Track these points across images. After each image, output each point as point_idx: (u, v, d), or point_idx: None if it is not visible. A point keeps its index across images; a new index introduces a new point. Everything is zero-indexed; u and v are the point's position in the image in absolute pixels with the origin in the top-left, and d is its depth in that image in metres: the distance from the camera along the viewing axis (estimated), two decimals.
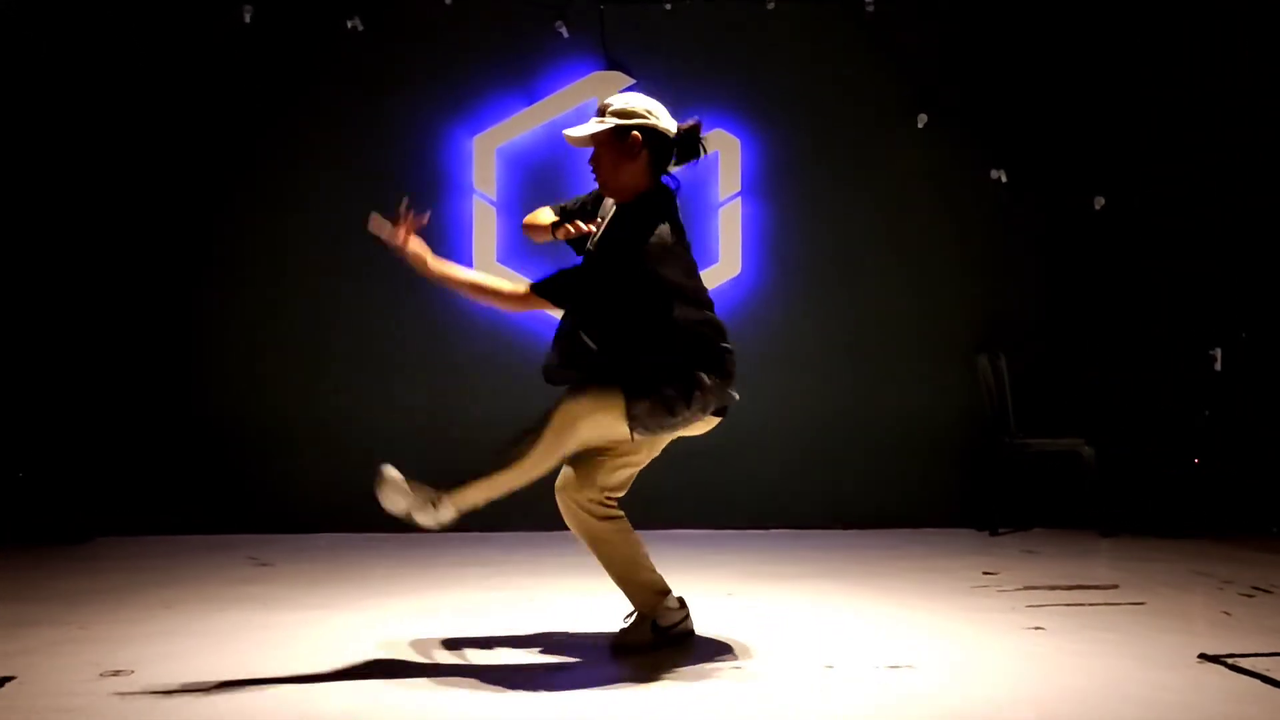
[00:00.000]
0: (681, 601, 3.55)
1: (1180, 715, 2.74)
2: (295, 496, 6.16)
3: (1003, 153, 6.53)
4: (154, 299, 6.21)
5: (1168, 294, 6.49)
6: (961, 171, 6.53)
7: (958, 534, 6.14)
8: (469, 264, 6.32)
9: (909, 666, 3.22)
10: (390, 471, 3.22)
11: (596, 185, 3.47)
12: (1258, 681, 3.06)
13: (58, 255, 6.13)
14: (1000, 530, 6.12)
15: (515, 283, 3.33)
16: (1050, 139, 6.53)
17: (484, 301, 3.42)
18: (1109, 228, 6.52)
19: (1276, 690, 2.97)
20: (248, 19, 6.12)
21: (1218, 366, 6.36)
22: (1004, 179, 6.50)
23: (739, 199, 6.42)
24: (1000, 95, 6.54)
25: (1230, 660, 3.29)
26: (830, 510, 6.35)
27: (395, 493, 3.21)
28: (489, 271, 6.24)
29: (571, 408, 3.24)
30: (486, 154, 6.29)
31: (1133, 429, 6.38)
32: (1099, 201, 6.49)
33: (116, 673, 3.14)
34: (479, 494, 3.25)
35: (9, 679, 3.07)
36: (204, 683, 3.01)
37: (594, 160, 3.38)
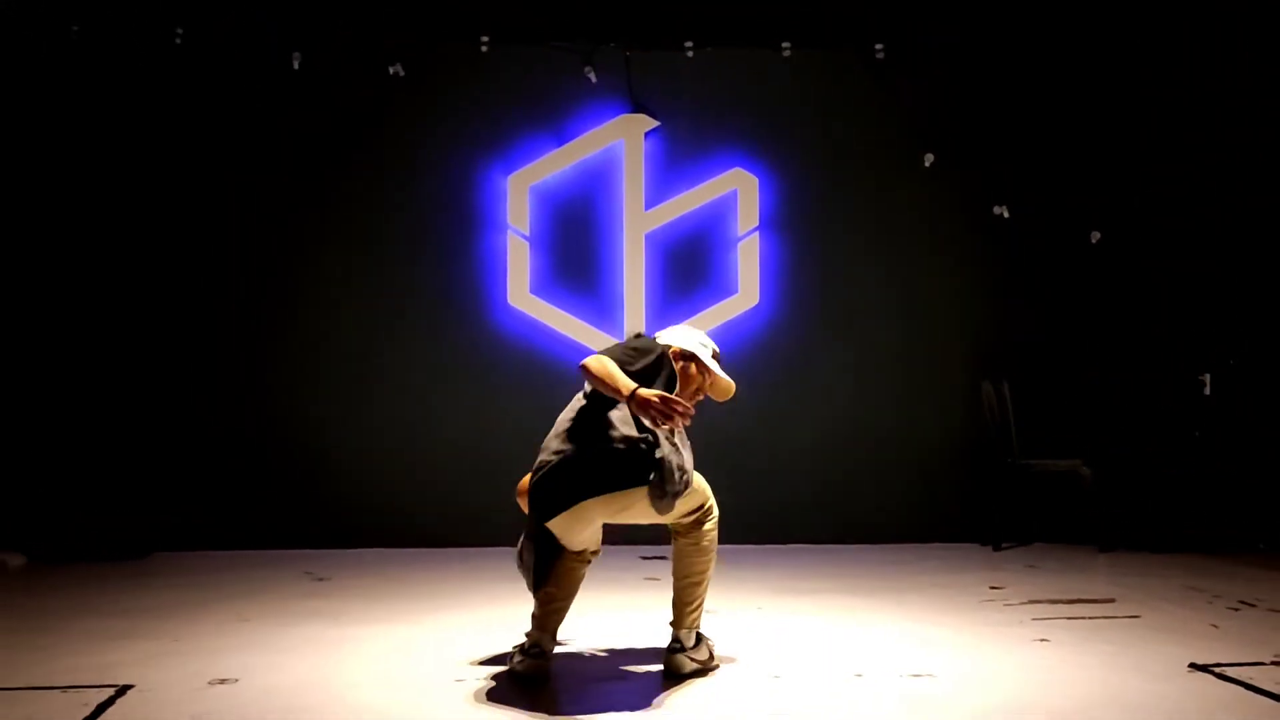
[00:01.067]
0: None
1: (1173, 718, 3.12)
2: (341, 513, 6.51)
3: (1005, 190, 6.89)
4: (215, 326, 6.57)
5: (1160, 323, 6.85)
6: (966, 208, 6.89)
7: (963, 549, 6.50)
8: (505, 294, 6.68)
9: (930, 675, 3.59)
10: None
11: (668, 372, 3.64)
12: (1241, 689, 3.43)
13: (121, 277, 6.48)
14: (1003, 545, 6.48)
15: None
16: (1050, 178, 6.88)
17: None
18: (1105, 261, 6.88)
19: (1259, 696, 3.35)
20: (297, 65, 6.48)
21: (1207, 391, 6.73)
22: (1006, 215, 6.85)
23: (756, 233, 6.78)
24: (1002, 136, 6.90)
25: (1218, 670, 3.67)
26: (844, 527, 6.70)
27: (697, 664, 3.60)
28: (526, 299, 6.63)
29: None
30: (520, 192, 6.65)
31: (1128, 450, 6.74)
32: (1095, 236, 6.85)
33: (223, 681, 3.50)
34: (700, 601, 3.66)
35: (129, 686, 3.44)
36: (300, 689, 3.39)
37: (694, 374, 3.74)
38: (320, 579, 5.50)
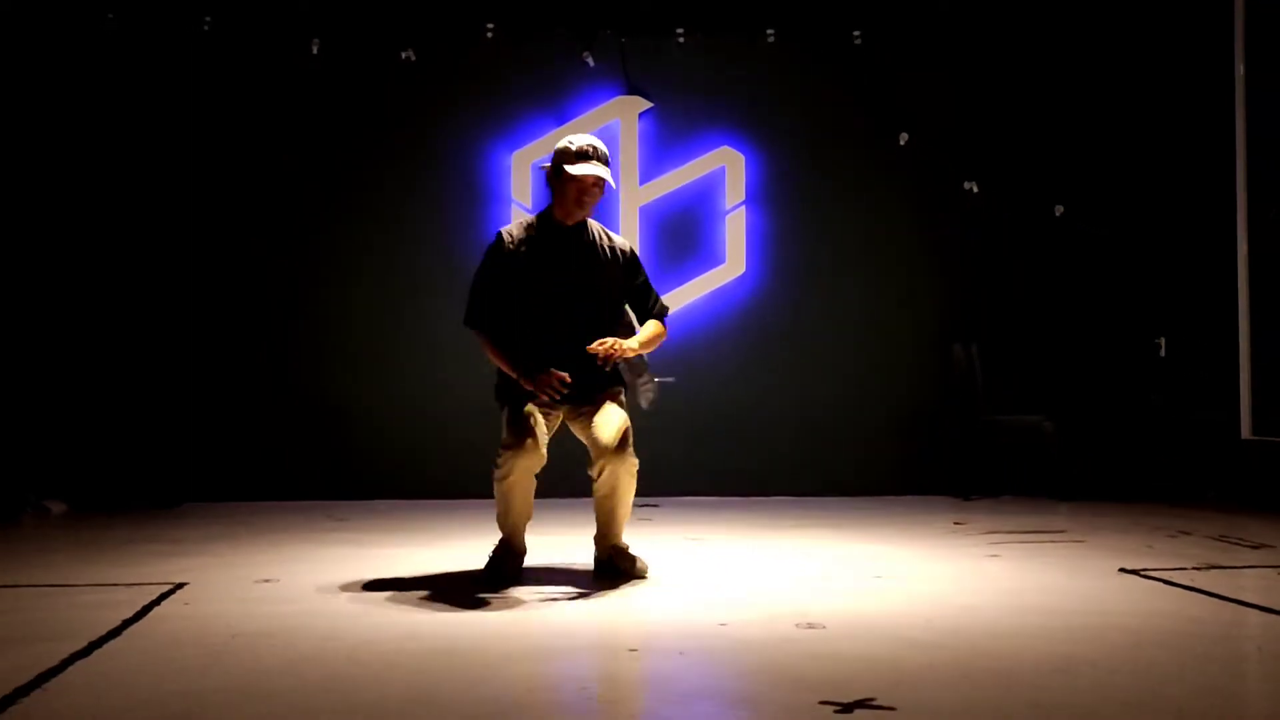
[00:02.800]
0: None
1: (1093, 602, 3.62)
2: (359, 466, 6.98)
3: (974, 166, 7.35)
4: (241, 297, 7.03)
5: (1119, 289, 7.32)
6: (938, 183, 7.34)
7: (936, 500, 6.96)
8: None
9: (889, 577, 4.09)
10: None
11: (576, 213, 4.01)
12: (1164, 585, 3.92)
13: (162, 245, 6.93)
14: (973, 497, 6.96)
15: (659, 327, 4.15)
16: (1016, 155, 7.34)
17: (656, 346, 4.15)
18: (1068, 232, 7.35)
19: (1177, 588, 3.84)
20: (315, 51, 6.97)
21: (1163, 353, 7.21)
22: (975, 189, 7.32)
23: (743, 207, 7.25)
24: (972, 116, 7.36)
25: (1144, 573, 4.16)
26: (823, 481, 7.15)
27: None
28: None
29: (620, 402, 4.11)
30: (523, 168, 7.12)
31: (1089, 407, 7.22)
32: (1059, 209, 7.33)
33: (268, 580, 4.00)
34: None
35: (184, 584, 3.93)
36: (339, 586, 3.89)
37: (593, 198, 4.00)
38: (341, 519, 5.98)
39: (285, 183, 7.05)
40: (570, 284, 4.02)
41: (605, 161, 4.00)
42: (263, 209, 7.05)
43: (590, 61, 7.15)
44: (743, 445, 7.17)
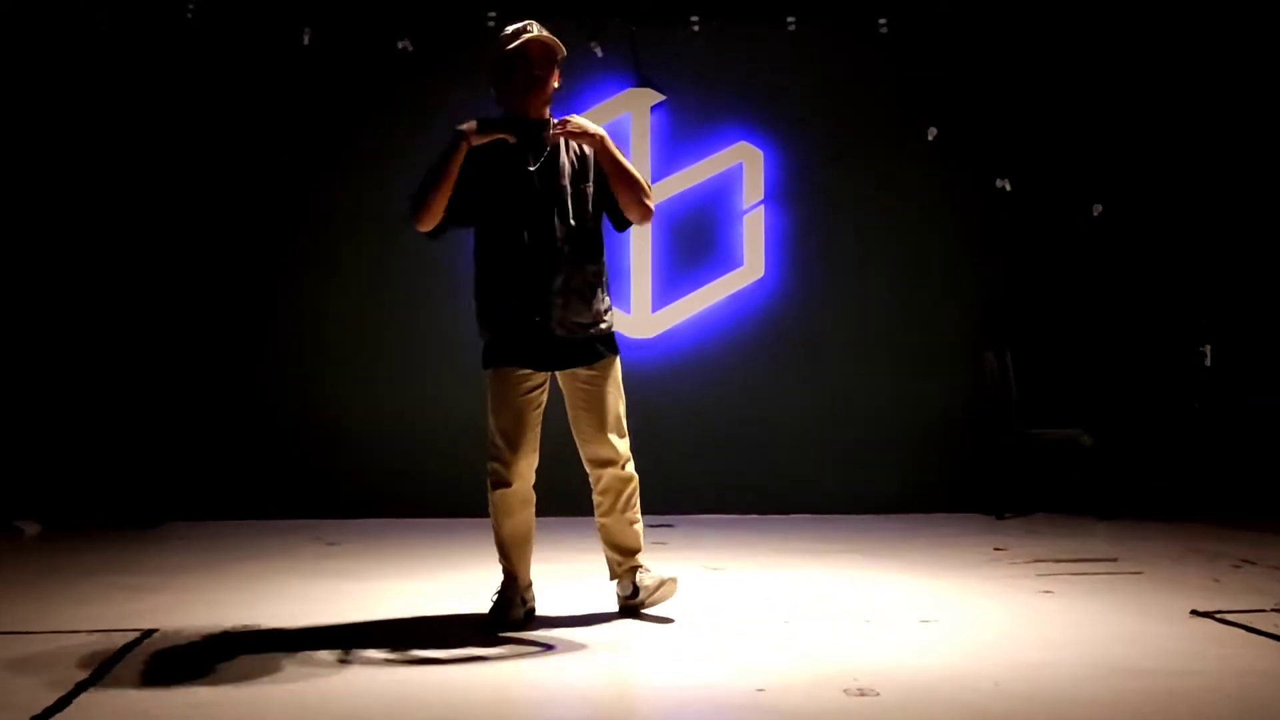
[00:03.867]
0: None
1: (1175, 657, 3.20)
2: (350, 484, 6.56)
3: (1007, 163, 6.91)
4: (226, 300, 6.60)
5: (1162, 293, 6.91)
6: (968, 180, 6.91)
7: (967, 518, 6.54)
8: None
9: (935, 620, 3.67)
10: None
11: (529, 96, 3.56)
12: (1243, 631, 3.51)
13: (136, 250, 6.50)
14: (1006, 515, 6.54)
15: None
16: (1052, 150, 6.91)
17: (634, 195, 3.57)
18: (1107, 233, 6.93)
19: (1259, 637, 3.43)
20: (306, 41, 6.55)
21: (1208, 362, 6.80)
22: (1008, 187, 6.90)
23: (762, 206, 6.83)
24: (1005, 109, 6.92)
25: (1219, 615, 3.75)
26: (847, 497, 6.73)
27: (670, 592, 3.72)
28: None
29: (617, 377, 3.68)
30: None
31: (1130, 419, 6.81)
32: (1097, 208, 6.91)
33: (244, 627, 3.58)
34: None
35: (153, 630, 3.52)
36: (321, 634, 3.47)
37: (543, 70, 3.57)
38: (331, 543, 5.57)
39: (273, 189, 6.63)
40: (547, 185, 3.53)
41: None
42: (249, 215, 6.63)
43: (599, 52, 6.73)
44: (761, 459, 6.75)
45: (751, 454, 6.73)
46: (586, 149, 3.61)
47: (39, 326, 6.41)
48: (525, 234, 3.51)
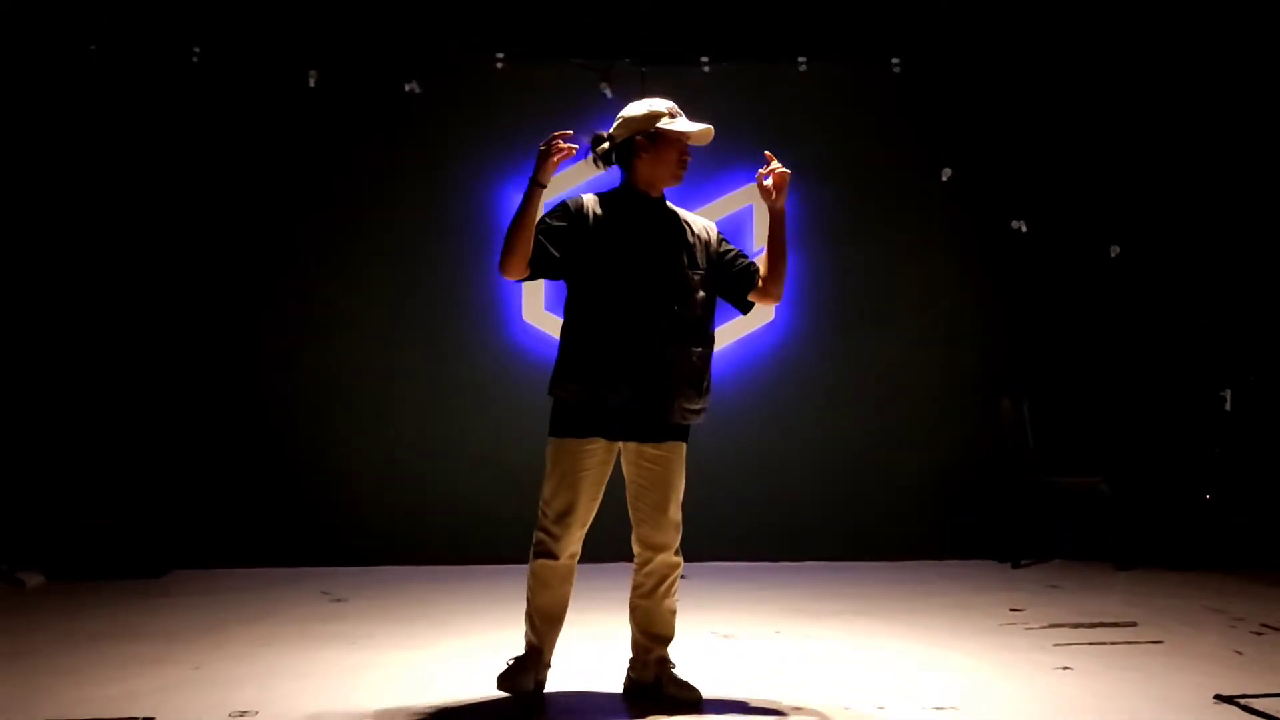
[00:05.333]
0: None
1: None
2: (358, 531, 6.51)
3: (1023, 204, 6.85)
4: (231, 345, 6.56)
5: (1180, 338, 6.82)
6: (984, 222, 6.85)
7: (981, 565, 6.46)
8: (520, 311, 6.69)
9: (954, 708, 3.58)
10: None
11: (673, 177, 3.64)
12: None
13: (139, 296, 6.47)
14: (1023, 563, 6.45)
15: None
16: (1068, 191, 6.84)
17: (785, 268, 3.68)
18: (1125, 276, 6.85)
19: None
20: (313, 84, 6.49)
21: (1228, 407, 6.70)
22: (1024, 229, 6.82)
23: None
24: (1020, 149, 6.86)
25: (1243, 700, 3.65)
26: (860, 543, 6.66)
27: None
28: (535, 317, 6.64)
29: (683, 459, 3.61)
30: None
31: (1149, 467, 6.71)
32: (1115, 250, 6.82)
33: (243, 714, 3.50)
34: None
35: (150, 719, 3.44)
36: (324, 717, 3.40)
37: (688, 157, 3.64)
38: (337, 600, 5.50)
39: (280, 227, 6.59)
40: (658, 257, 3.51)
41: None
42: (257, 254, 6.59)
43: (608, 93, 6.66)
44: (775, 505, 6.68)
45: (764, 500, 6.66)
46: (703, 229, 3.63)
47: (43, 372, 6.37)
48: (650, 313, 3.45)
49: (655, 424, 3.49)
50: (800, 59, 6.78)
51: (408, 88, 6.58)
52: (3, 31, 6.29)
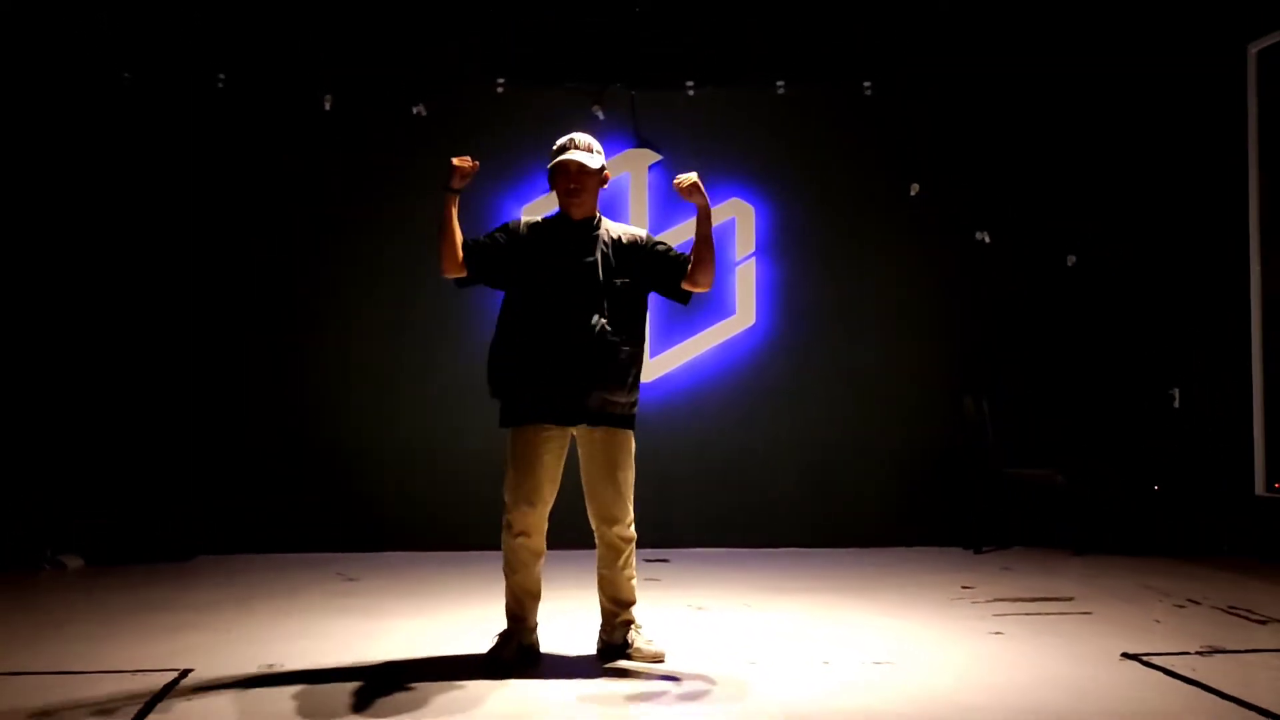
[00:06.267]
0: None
1: (1094, 700, 3.60)
2: (371, 518, 7.03)
3: (986, 216, 7.35)
4: (253, 348, 7.09)
5: (1132, 341, 7.31)
6: (949, 233, 7.35)
7: (946, 552, 6.95)
8: None
9: (890, 663, 4.08)
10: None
11: (568, 203, 4.06)
12: (1161, 674, 3.91)
13: (171, 298, 7.01)
14: (984, 549, 6.94)
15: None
16: (1028, 205, 7.34)
17: (713, 262, 4.07)
18: (1080, 282, 7.34)
19: (1175, 680, 3.82)
20: (328, 107, 7.03)
21: (1177, 404, 7.18)
22: (987, 239, 7.32)
23: (753, 258, 7.27)
24: (984, 166, 7.37)
25: (1145, 658, 4.14)
26: (835, 533, 7.15)
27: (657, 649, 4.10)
28: None
29: (630, 447, 4.09)
30: None
31: (1102, 459, 7.19)
32: (1071, 260, 7.32)
33: (271, 665, 4.03)
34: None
35: (189, 670, 3.96)
36: (341, 672, 3.92)
37: (578, 183, 4.03)
38: (351, 579, 6.02)
39: (299, 235, 7.12)
40: (574, 270, 4.00)
41: (590, 150, 4.06)
42: (273, 262, 7.12)
43: (600, 115, 7.18)
44: (753, 497, 7.18)
45: (743, 491, 7.16)
46: (630, 239, 4.10)
47: (76, 377, 6.89)
48: (567, 320, 3.94)
49: (589, 410, 3.96)
50: (779, 83, 7.29)
51: (415, 110, 7.10)
52: (47, 58, 6.83)
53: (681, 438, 7.13)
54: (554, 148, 4.10)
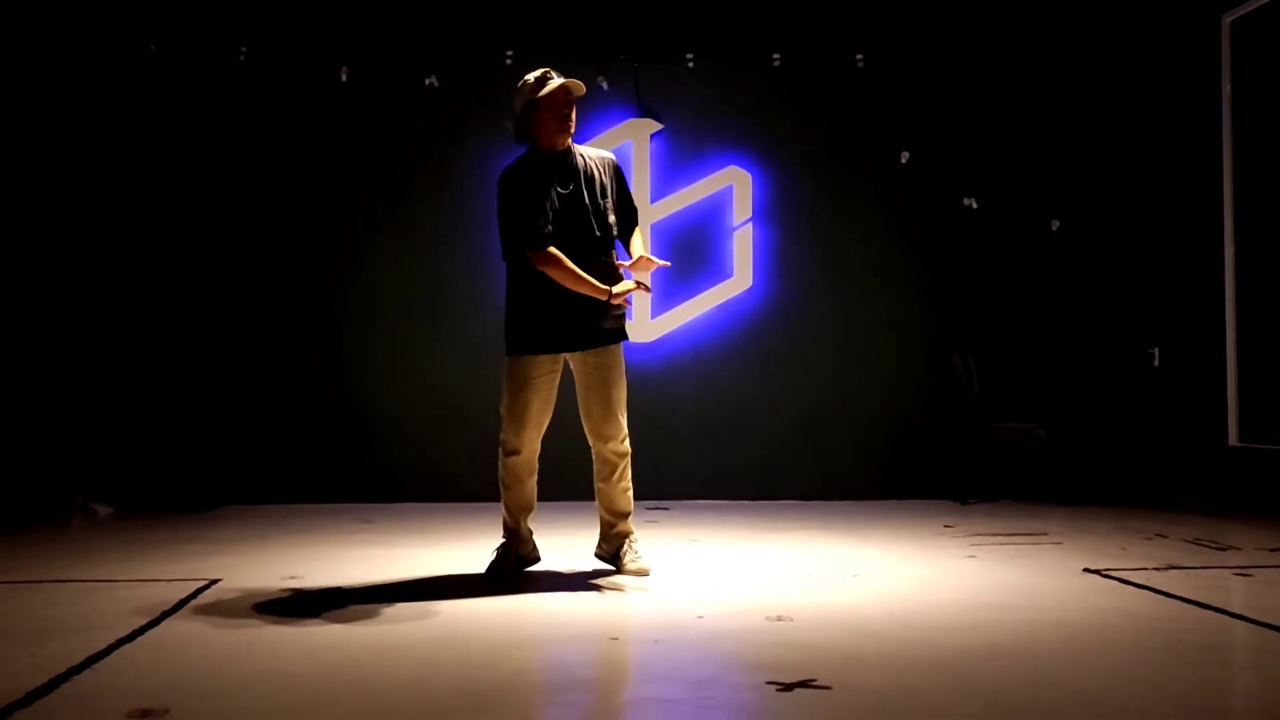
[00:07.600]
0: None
1: (1050, 599, 3.92)
2: (387, 471, 7.35)
3: (973, 183, 7.65)
4: (278, 309, 7.41)
5: (1113, 300, 7.60)
6: (938, 199, 7.65)
7: (936, 504, 7.24)
8: None
9: (868, 576, 4.41)
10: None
11: (560, 133, 4.15)
12: (1120, 584, 4.22)
13: (199, 259, 7.34)
14: (970, 501, 7.24)
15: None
16: (1015, 172, 7.64)
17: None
18: (1063, 246, 7.64)
19: (1132, 588, 4.13)
20: (344, 78, 7.37)
21: (1156, 362, 7.46)
22: (974, 205, 7.62)
23: (750, 224, 7.58)
24: (971, 135, 7.66)
25: (1105, 572, 4.45)
26: (828, 485, 7.46)
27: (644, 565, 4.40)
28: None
29: (622, 363, 4.38)
30: None
31: (1082, 414, 7.49)
32: (1055, 224, 7.61)
33: (293, 577, 4.37)
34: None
35: (217, 580, 4.31)
36: (358, 584, 4.26)
37: (568, 110, 4.14)
38: (367, 521, 6.36)
39: (319, 199, 7.44)
40: (577, 204, 4.18)
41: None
42: (295, 225, 7.43)
43: (604, 85, 7.50)
44: (751, 450, 7.49)
45: (742, 446, 7.47)
46: (604, 163, 4.33)
47: (109, 333, 7.23)
48: (574, 243, 4.18)
49: (593, 333, 4.24)
50: (775, 55, 7.60)
51: (428, 81, 7.44)
52: (76, 32, 7.18)
53: (683, 394, 7.45)
54: (529, 82, 4.13)
